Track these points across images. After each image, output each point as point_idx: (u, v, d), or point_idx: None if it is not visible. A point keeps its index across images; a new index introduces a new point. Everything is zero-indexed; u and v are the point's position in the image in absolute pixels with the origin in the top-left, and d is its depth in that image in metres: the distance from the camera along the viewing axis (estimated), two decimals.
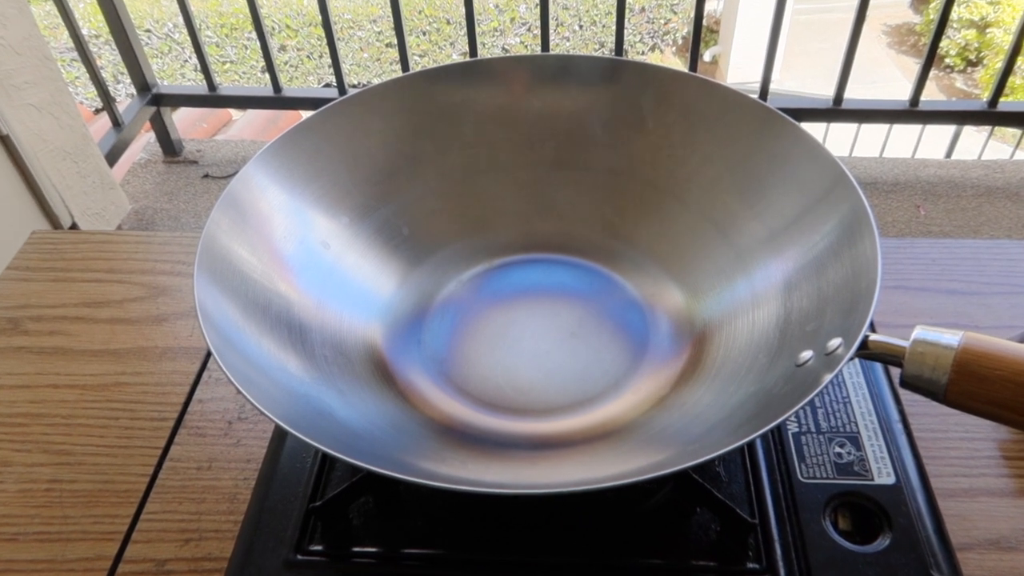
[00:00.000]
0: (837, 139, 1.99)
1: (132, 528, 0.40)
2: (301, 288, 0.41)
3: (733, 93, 0.43)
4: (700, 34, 1.34)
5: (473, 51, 1.39)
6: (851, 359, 0.30)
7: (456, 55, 3.74)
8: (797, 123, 0.40)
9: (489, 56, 0.47)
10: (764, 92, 1.39)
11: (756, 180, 0.42)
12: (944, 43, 3.99)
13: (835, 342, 0.32)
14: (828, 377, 0.29)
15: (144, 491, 0.42)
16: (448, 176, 0.47)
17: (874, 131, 2.08)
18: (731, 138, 0.43)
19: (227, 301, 0.36)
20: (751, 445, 0.39)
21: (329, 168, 0.44)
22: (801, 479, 0.38)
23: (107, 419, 0.46)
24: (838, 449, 0.39)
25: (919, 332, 0.31)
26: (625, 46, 1.97)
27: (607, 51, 3.72)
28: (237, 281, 0.37)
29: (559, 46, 3.86)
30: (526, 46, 3.86)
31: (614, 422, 0.39)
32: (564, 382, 0.41)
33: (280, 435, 0.41)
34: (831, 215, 0.37)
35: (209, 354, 0.49)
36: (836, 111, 1.39)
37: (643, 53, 4.09)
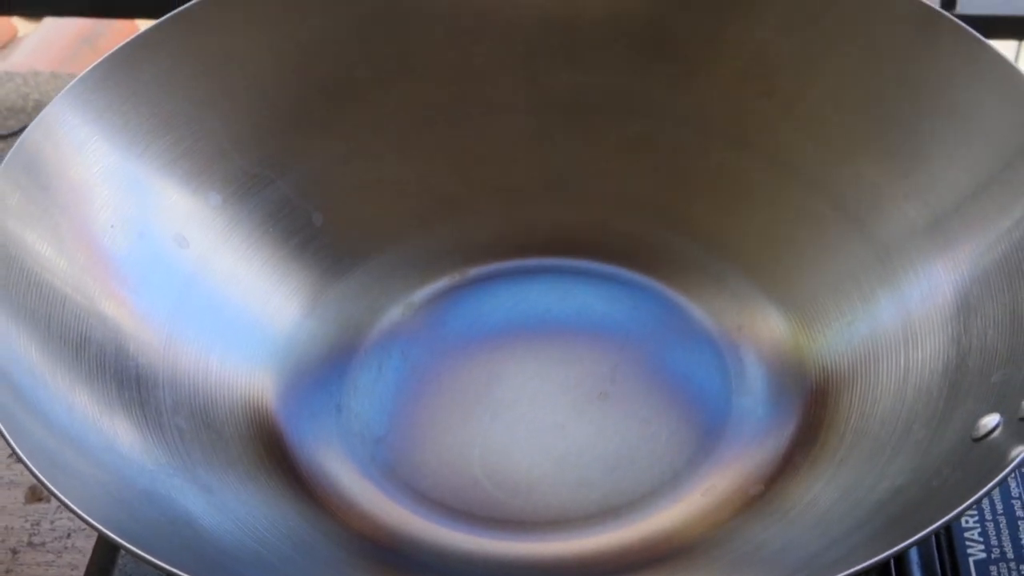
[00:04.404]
0: None
1: None
2: (140, 311, 0.43)
3: None
4: None
5: None
6: None
7: None
8: (983, 38, 0.43)
9: None
10: None
11: (912, 132, 0.44)
12: None
13: None
14: (1022, 452, 0.31)
15: None
16: (391, 125, 0.50)
17: None
18: (872, 63, 0.45)
19: (15, 328, 0.38)
20: None
21: (189, 111, 0.46)
22: None
23: None
24: None
25: None
26: None
27: None
28: (33, 296, 0.39)
29: None
30: None
31: (671, 540, 0.41)
32: (588, 475, 0.44)
33: (103, 564, 0.43)
34: None
35: None
36: None
37: None
